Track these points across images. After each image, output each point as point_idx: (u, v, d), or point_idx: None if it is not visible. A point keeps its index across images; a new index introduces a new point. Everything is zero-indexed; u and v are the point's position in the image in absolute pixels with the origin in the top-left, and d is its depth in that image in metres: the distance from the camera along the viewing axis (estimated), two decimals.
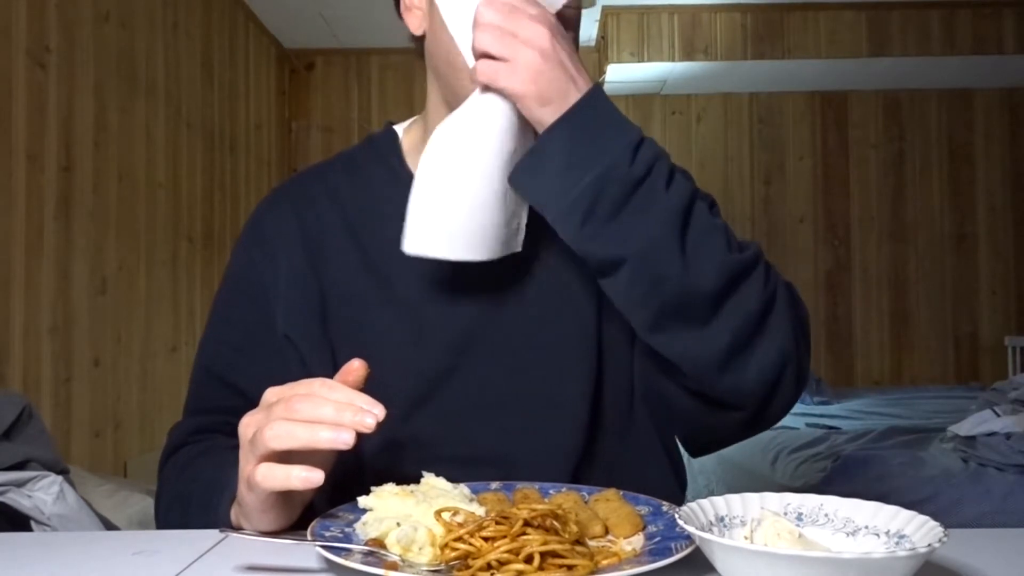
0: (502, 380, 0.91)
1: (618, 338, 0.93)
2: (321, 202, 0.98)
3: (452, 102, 0.92)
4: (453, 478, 0.74)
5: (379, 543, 0.64)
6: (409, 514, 0.66)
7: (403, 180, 0.97)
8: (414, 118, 1.04)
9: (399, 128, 1.05)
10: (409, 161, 0.99)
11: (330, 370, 0.91)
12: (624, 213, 0.76)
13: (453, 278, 0.92)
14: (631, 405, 0.95)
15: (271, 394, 0.72)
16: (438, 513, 0.65)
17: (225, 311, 0.99)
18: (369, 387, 0.91)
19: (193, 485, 0.85)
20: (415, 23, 0.92)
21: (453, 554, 0.60)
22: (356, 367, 0.72)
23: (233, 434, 0.75)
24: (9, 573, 0.66)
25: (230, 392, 0.94)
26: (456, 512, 0.65)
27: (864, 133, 4.97)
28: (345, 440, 0.66)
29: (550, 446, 0.89)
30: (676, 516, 0.61)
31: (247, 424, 0.72)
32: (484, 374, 0.91)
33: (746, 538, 0.62)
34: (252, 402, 0.86)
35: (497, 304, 0.93)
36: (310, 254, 0.95)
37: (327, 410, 0.67)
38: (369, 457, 0.90)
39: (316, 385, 0.70)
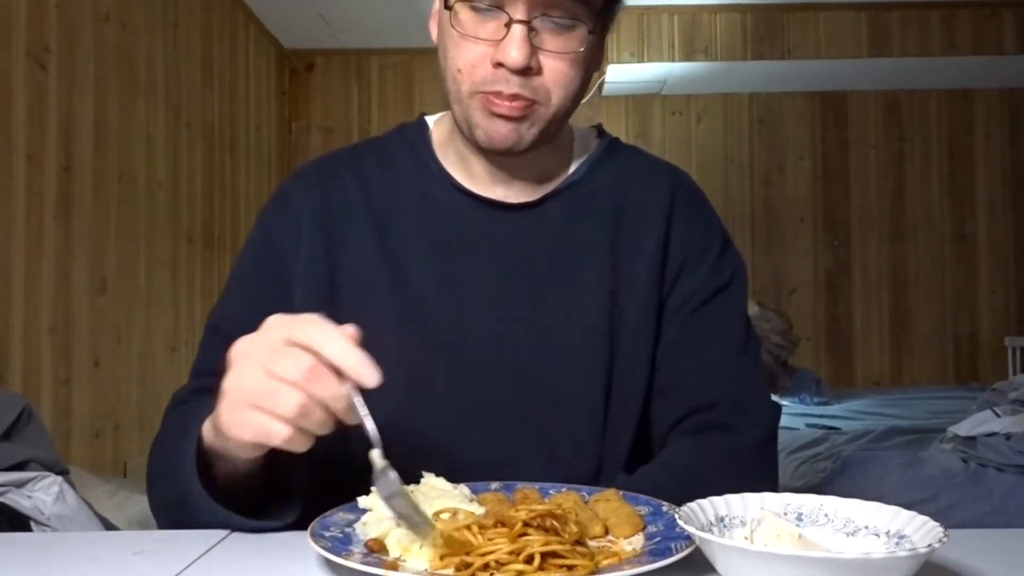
0: (508, 386, 0.90)
1: (633, 344, 0.93)
2: (349, 186, 0.98)
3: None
4: (454, 481, 0.74)
5: (379, 543, 0.64)
6: None
7: (432, 175, 0.98)
8: (445, 112, 1.02)
9: (430, 120, 1.04)
10: (439, 154, 0.99)
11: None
12: None
13: (467, 280, 0.92)
14: (639, 411, 0.94)
15: (274, 326, 0.68)
16: (437, 514, 0.65)
17: (242, 277, 0.98)
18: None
19: (178, 426, 0.84)
20: (433, 31, 0.95)
21: (453, 554, 0.60)
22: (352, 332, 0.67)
23: None
24: (9, 573, 0.66)
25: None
26: (456, 512, 0.65)
27: (864, 133, 4.97)
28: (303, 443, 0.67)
29: (556, 459, 0.88)
30: (676, 516, 0.61)
31: (236, 362, 0.68)
32: (489, 380, 0.90)
33: (746, 538, 0.62)
34: None
35: (508, 310, 0.92)
36: (329, 236, 0.95)
37: (299, 406, 0.64)
38: (364, 452, 0.90)
39: (315, 337, 0.65)
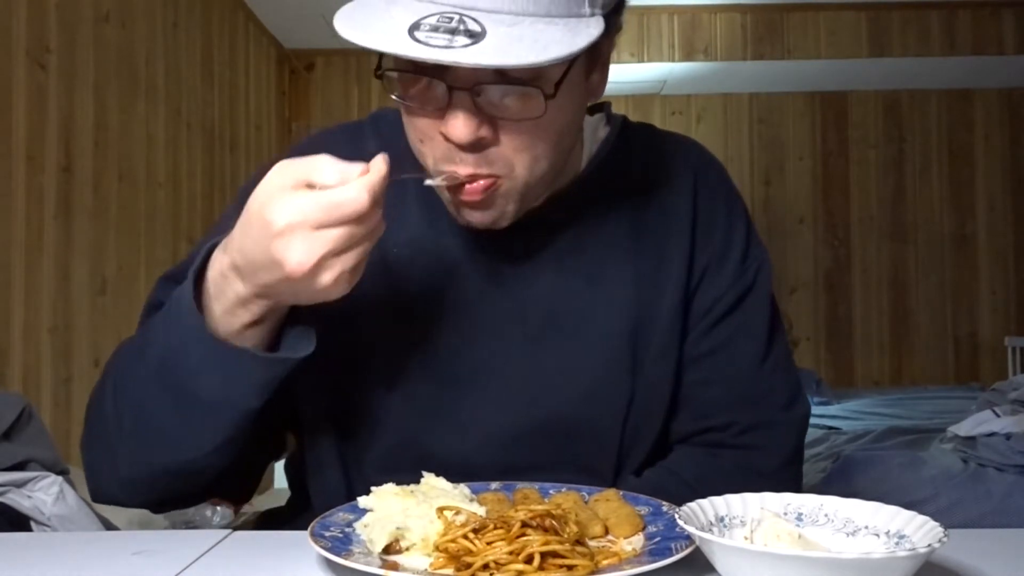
0: (516, 419, 0.85)
1: (656, 371, 0.86)
2: None
3: None
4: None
5: (393, 566, 0.61)
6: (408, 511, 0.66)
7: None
8: None
9: None
10: None
11: (324, 384, 0.84)
12: None
13: (474, 304, 0.85)
14: (656, 435, 0.89)
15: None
16: (440, 510, 0.65)
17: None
18: (366, 412, 0.86)
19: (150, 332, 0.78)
20: None
21: (450, 553, 0.60)
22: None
23: None
24: (9, 573, 0.66)
25: None
26: (458, 512, 0.65)
27: (864, 133, 4.97)
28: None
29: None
30: (676, 516, 0.61)
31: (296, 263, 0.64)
32: (496, 411, 0.85)
33: (746, 538, 0.62)
34: None
35: (519, 335, 0.85)
36: None
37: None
38: (363, 484, 0.85)
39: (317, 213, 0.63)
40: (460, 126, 0.70)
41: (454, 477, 0.75)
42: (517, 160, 0.74)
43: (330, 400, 0.87)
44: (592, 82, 0.81)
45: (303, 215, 0.63)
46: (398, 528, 0.64)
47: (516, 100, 0.72)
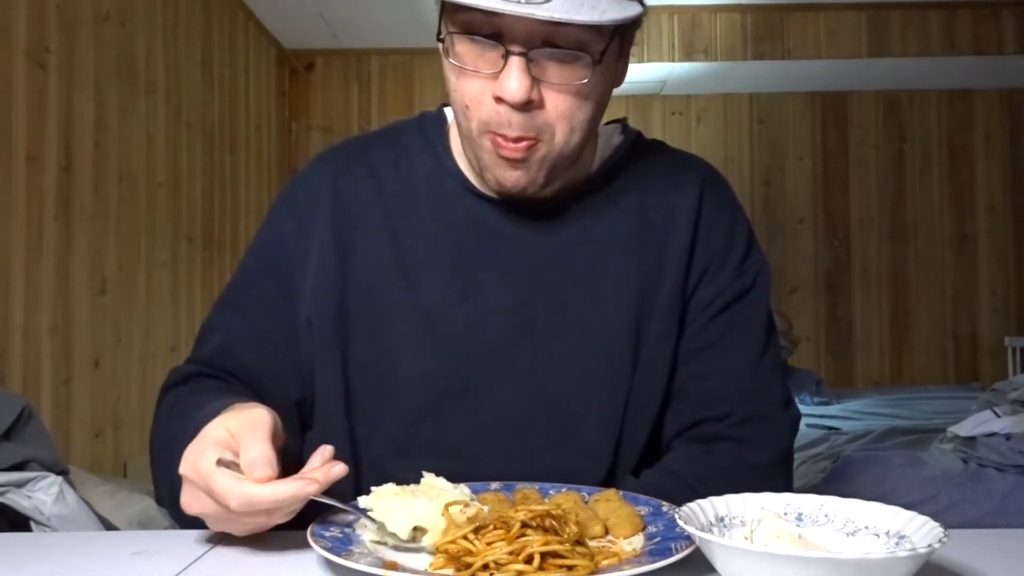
0: (522, 401, 0.88)
1: (655, 355, 0.90)
2: (361, 183, 0.94)
3: None
4: None
5: (393, 566, 0.62)
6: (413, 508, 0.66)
7: (448, 174, 0.94)
8: None
9: (450, 114, 0.98)
10: (455, 153, 0.95)
11: (338, 365, 0.89)
12: None
13: (484, 288, 0.90)
14: (655, 419, 0.92)
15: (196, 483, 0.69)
16: (446, 507, 0.65)
17: (248, 283, 0.95)
18: (377, 393, 0.90)
19: (176, 409, 0.85)
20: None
21: (450, 553, 0.60)
22: (337, 472, 0.69)
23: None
24: (9, 573, 0.66)
25: (232, 362, 0.91)
26: (467, 505, 0.65)
27: (864, 133, 4.97)
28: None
29: (568, 468, 0.87)
30: (676, 516, 0.61)
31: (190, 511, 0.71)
32: (503, 393, 0.88)
33: (746, 538, 0.62)
34: (250, 380, 0.88)
35: (526, 319, 0.89)
36: (340, 239, 0.92)
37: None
38: (371, 466, 0.89)
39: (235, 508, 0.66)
40: (514, 86, 0.78)
41: (461, 460, 0.77)
42: (557, 125, 0.82)
43: (342, 387, 0.90)
44: (618, 68, 0.89)
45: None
46: (417, 527, 0.64)
47: (564, 68, 0.80)
